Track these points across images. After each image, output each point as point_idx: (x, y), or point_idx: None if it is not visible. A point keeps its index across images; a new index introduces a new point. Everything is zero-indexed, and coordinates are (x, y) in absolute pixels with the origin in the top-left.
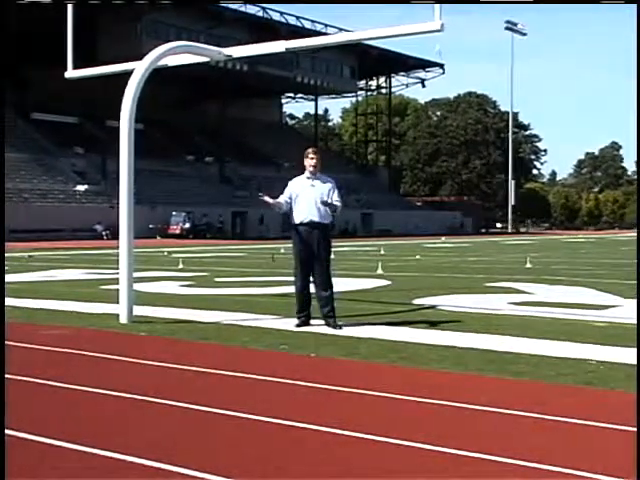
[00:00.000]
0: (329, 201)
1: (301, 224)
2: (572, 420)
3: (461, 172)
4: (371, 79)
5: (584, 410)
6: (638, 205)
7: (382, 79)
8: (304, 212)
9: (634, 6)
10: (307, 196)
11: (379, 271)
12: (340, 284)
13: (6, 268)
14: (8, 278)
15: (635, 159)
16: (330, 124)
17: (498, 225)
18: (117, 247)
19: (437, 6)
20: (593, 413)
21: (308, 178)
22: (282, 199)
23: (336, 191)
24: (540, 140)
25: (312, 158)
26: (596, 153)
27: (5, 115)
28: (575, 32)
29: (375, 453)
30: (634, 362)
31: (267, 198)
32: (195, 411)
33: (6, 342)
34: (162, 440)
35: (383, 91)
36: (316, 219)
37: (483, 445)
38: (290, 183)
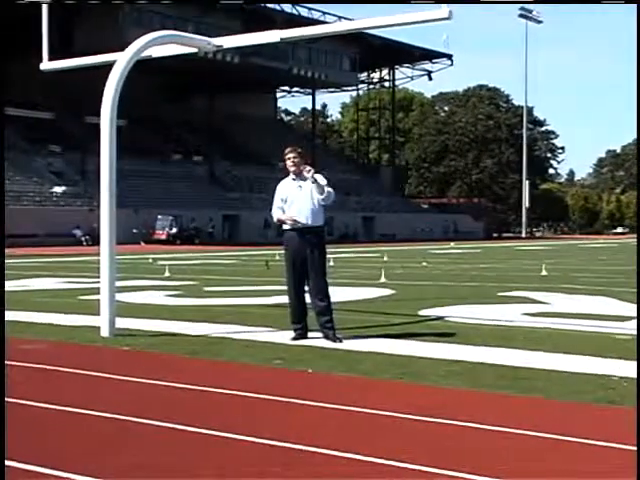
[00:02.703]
0: (320, 181)
1: (293, 229)
2: (589, 441)
3: (471, 172)
4: (373, 71)
5: (604, 431)
6: (638, 205)
7: (385, 71)
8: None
9: (634, 6)
10: (296, 199)
11: (382, 279)
12: (340, 293)
13: None
14: None
15: None
16: (329, 120)
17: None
18: (98, 254)
19: None
20: (613, 434)
21: (294, 180)
22: (276, 207)
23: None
24: (557, 137)
25: (288, 158)
26: (618, 151)
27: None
28: (596, 20)
29: (373, 475)
30: None
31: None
32: (181, 432)
33: None
34: (144, 463)
35: (386, 84)
36: (308, 223)
37: (489, 467)
38: (278, 188)
